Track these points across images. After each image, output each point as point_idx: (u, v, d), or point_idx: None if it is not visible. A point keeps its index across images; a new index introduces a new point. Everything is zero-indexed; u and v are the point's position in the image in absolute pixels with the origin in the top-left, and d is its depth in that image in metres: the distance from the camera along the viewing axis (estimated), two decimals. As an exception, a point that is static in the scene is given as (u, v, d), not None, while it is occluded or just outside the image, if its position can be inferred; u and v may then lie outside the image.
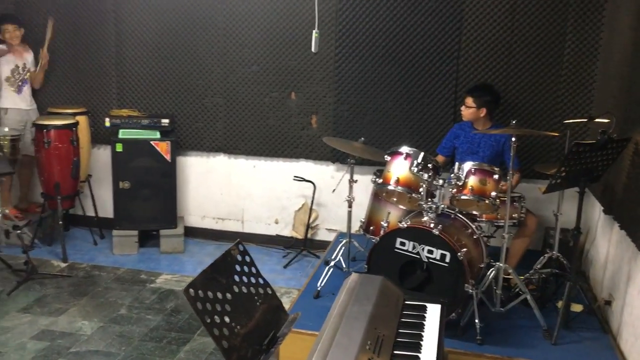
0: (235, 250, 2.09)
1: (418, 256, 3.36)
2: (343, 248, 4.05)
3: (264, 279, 2.15)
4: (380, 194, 4.00)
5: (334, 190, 4.73)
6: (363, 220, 4.16)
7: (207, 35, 4.97)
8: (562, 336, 3.41)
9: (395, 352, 2.05)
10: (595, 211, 4.19)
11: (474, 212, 3.77)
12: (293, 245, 5.10)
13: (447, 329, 3.06)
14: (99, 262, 4.79)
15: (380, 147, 4.48)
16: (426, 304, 2.45)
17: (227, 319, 1.83)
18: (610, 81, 4.01)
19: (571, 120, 4.05)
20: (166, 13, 5.00)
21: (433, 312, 2.40)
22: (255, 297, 2.06)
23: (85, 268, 4.69)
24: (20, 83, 5.01)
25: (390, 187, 3.69)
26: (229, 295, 1.92)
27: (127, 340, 3.64)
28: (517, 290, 3.65)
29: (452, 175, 3.61)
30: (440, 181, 3.58)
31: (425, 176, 3.57)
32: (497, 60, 4.50)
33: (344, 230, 4.15)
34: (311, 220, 5.07)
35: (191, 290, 1.77)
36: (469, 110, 4.08)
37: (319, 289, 3.87)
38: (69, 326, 3.79)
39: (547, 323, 3.46)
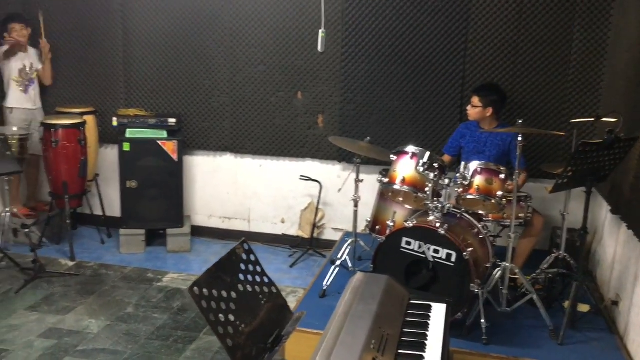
0: (240, 249, 2.10)
1: (424, 256, 3.35)
2: (349, 247, 4.05)
3: (268, 278, 2.16)
4: (386, 194, 4.00)
5: (340, 190, 4.74)
6: (369, 219, 4.16)
7: (214, 35, 4.98)
8: (569, 336, 3.40)
9: (400, 351, 2.05)
10: (603, 211, 4.17)
11: (480, 212, 3.76)
12: (299, 244, 5.11)
13: (453, 328, 3.05)
14: (106, 261, 4.82)
15: (386, 147, 4.47)
16: (431, 304, 2.44)
17: (231, 318, 1.84)
18: (618, 80, 3.99)
19: (578, 120, 4.03)
20: (173, 13, 5.01)
21: (438, 312, 2.39)
22: (260, 296, 2.07)
23: (93, 267, 4.72)
24: (27, 83, 5.03)
25: (396, 187, 3.69)
26: (233, 294, 1.93)
27: (134, 339, 3.66)
28: (523, 290, 3.63)
29: (458, 174, 3.61)
30: (446, 181, 3.58)
31: (431, 176, 3.56)
32: (504, 59, 4.48)
33: (350, 229, 4.16)
34: (317, 220, 5.07)
35: (196, 289, 1.78)
36: (475, 109, 4.07)
37: (324, 288, 3.87)
38: (76, 324, 3.81)
39: (553, 323, 3.44)
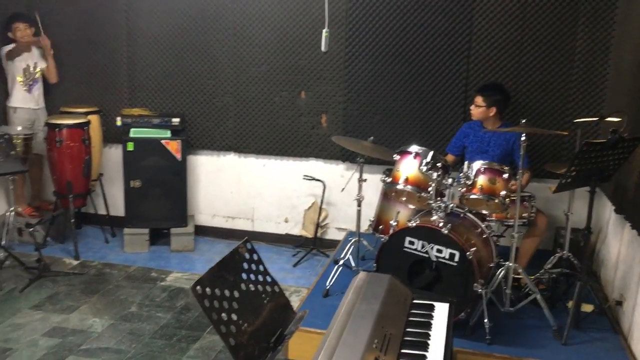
0: (243, 248, 2.10)
1: (427, 255, 3.35)
2: (352, 247, 4.06)
3: (271, 277, 2.16)
4: (389, 193, 4.00)
5: (343, 189, 4.74)
6: (372, 219, 4.16)
7: (217, 35, 4.99)
8: (573, 336, 3.39)
9: (403, 350, 2.05)
10: (607, 211, 4.16)
11: (484, 212, 3.76)
12: (303, 244, 5.11)
13: (456, 328, 3.05)
14: (110, 260, 4.83)
15: (389, 146, 4.47)
16: (434, 303, 2.44)
17: (234, 317, 1.84)
18: (622, 80, 3.97)
19: (582, 119, 4.02)
20: (177, 13, 5.02)
21: (441, 311, 2.39)
22: (263, 295, 2.07)
23: (97, 266, 4.73)
24: (31, 82, 5.04)
25: (400, 186, 3.69)
26: (236, 293, 1.93)
27: (138, 338, 3.66)
28: (527, 290, 3.63)
29: (461, 174, 3.61)
30: (450, 180, 3.58)
31: (435, 175, 3.56)
32: (508, 59, 4.47)
33: (354, 229, 4.16)
34: (321, 219, 5.07)
35: (198, 288, 1.78)
36: (478, 109, 4.06)
37: (327, 287, 3.87)
38: (80, 323, 3.82)
39: (557, 323, 3.44)
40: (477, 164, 3.59)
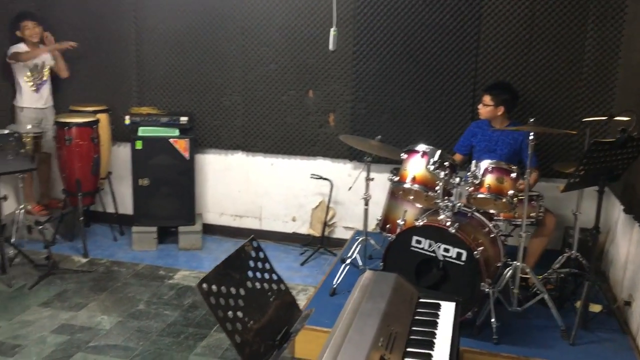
0: (249, 246, 2.11)
1: (434, 254, 3.35)
2: (359, 246, 4.06)
3: (277, 275, 2.16)
4: (397, 192, 3.99)
5: (350, 188, 4.74)
6: (380, 218, 4.16)
7: (225, 34, 5.00)
8: (580, 336, 3.38)
9: (408, 349, 2.05)
10: (616, 210, 4.14)
11: (491, 211, 3.75)
12: (310, 243, 5.12)
13: (463, 328, 3.04)
14: (118, 258, 4.86)
15: (397, 146, 4.46)
16: (440, 302, 2.44)
17: (240, 314, 1.85)
18: (632, 79, 3.95)
19: (591, 119, 3.99)
20: (185, 12, 5.04)
21: (447, 310, 2.39)
22: (269, 293, 2.07)
23: (105, 264, 4.75)
24: (39, 82, 5.04)
25: (407, 185, 3.69)
26: (242, 291, 1.94)
27: (145, 335, 3.68)
28: (534, 289, 3.61)
29: (469, 173, 3.60)
30: (457, 179, 3.57)
31: (442, 174, 3.56)
32: (516, 57, 4.45)
33: (361, 228, 4.16)
34: (328, 218, 5.08)
35: (204, 285, 1.79)
36: (486, 108, 4.05)
37: (334, 286, 3.88)
38: (88, 320, 3.85)
39: (565, 323, 3.42)
40: (485, 163, 3.58)
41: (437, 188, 3.57)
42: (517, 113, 4.40)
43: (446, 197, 3.56)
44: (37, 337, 3.62)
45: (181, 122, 4.97)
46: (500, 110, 4.02)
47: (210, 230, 5.37)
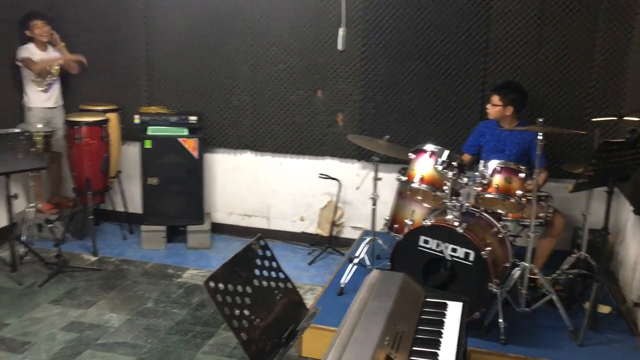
0: (256, 245, 2.12)
1: (442, 254, 3.34)
2: (367, 246, 4.06)
3: (284, 274, 2.17)
4: (404, 192, 3.99)
5: (358, 188, 4.75)
6: (388, 218, 4.16)
7: (235, 34, 5.01)
8: (589, 337, 3.36)
9: (415, 348, 2.05)
10: (625, 211, 4.11)
11: (500, 211, 3.74)
12: (318, 242, 5.12)
13: (471, 328, 3.04)
14: (127, 257, 4.89)
15: (405, 145, 4.45)
16: (447, 302, 2.44)
17: (246, 312, 1.86)
18: (642, 79, 3.92)
19: (600, 119, 3.97)
20: (195, 13, 5.05)
21: (454, 310, 2.39)
22: (275, 291, 2.08)
23: (115, 262, 4.78)
24: (49, 82, 5.05)
25: (415, 185, 3.69)
26: (249, 289, 1.95)
27: (153, 333, 3.70)
28: (543, 290, 3.60)
29: (477, 173, 3.59)
30: (465, 179, 3.56)
31: (450, 174, 3.55)
32: (526, 57, 4.43)
33: (369, 228, 4.16)
34: (336, 218, 5.08)
35: (211, 283, 1.80)
36: (495, 108, 4.04)
37: (342, 286, 3.88)
38: (97, 318, 3.87)
39: (573, 324, 3.41)
40: (493, 163, 3.57)
41: (445, 188, 3.57)
42: (526, 113, 4.38)
43: (454, 197, 3.55)
44: (47, 334, 3.65)
45: (190, 122, 4.99)
46: (509, 110, 4.01)
47: (219, 229, 5.39)
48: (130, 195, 5.44)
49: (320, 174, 5.01)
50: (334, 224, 5.07)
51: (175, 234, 5.21)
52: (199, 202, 5.08)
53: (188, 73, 5.19)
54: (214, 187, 5.40)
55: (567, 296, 3.71)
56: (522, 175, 3.50)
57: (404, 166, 3.94)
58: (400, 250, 3.47)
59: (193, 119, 4.99)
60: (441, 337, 2.14)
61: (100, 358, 3.42)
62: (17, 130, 4.47)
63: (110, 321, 3.84)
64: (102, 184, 5.04)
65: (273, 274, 2.12)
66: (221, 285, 1.83)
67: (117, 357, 3.43)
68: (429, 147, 3.73)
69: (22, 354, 3.44)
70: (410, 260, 3.42)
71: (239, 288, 1.90)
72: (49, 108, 5.10)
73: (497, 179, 3.53)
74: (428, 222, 3.43)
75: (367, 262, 4.05)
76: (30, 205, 4.82)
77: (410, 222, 3.83)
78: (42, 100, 5.05)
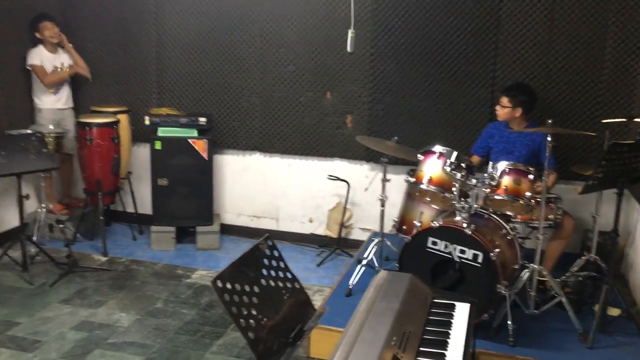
0: (263, 245, 2.12)
1: (450, 256, 3.34)
2: (376, 247, 4.06)
3: (292, 274, 2.18)
4: (413, 193, 3.99)
5: (366, 189, 4.74)
6: (396, 219, 4.15)
7: (244, 36, 5.04)
8: (598, 340, 3.34)
9: (422, 348, 2.05)
10: (635, 213, 4.09)
11: (509, 213, 3.72)
12: (327, 244, 5.13)
13: (479, 330, 3.04)
14: (137, 257, 4.92)
15: (414, 147, 4.43)
16: (455, 303, 2.43)
17: (253, 311, 1.87)
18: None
19: (610, 120, 3.95)
20: (205, 15, 5.09)
21: (462, 311, 2.38)
22: (283, 291, 2.09)
23: (125, 262, 4.81)
24: (59, 84, 5.10)
25: (423, 187, 3.68)
26: (256, 288, 1.95)
27: (163, 333, 3.72)
28: (552, 292, 3.58)
29: (486, 174, 3.58)
30: (474, 181, 3.55)
31: (458, 175, 3.54)
32: (535, 59, 4.42)
33: (378, 229, 4.16)
34: (345, 219, 5.08)
35: (219, 282, 1.81)
36: (504, 109, 4.02)
37: (350, 287, 3.88)
38: (107, 318, 3.90)
39: (582, 327, 3.39)
40: (502, 165, 3.56)
41: (453, 189, 3.56)
42: (536, 114, 4.36)
43: (463, 199, 3.54)
44: (57, 334, 3.68)
45: (200, 123, 5.01)
46: (518, 111, 3.99)
47: (228, 230, 5.41)
48: (140, 196, 5.48)
49: (329, 176, 5.02)
50: (342, 225, 5.08)
51: (185, 235, 5.24)
52: (208, 203, 5.11)
53: (198, 75, 5.22)
54: (223, 188, 5.42)
55: (576, 298, 3.69)
56: (531, 176, 3.49)
57: (412, 167, 3.93)
58: (409, 251, 3.47)
59: (203, 120, 5.02)
60: (448, 338, 2.14)
61: (110, 357, 3.45)
62: (29, 132, 4.52)
63: (119, 321, 3.87)
64: (112, 184, 5.08)
65: (280, 273, 2.13)
66: (229, 285, 1.84)
67: (126, 357, 3.46)
68: (438, 148, 3.72)
69: (32, 352, 3.47)
70: (419, 262, 3.42)
71: (247, 287, 1.91)
72: (59, 109, 5.15)
73: (506, 181, 3.51)
74: (436, 224, 3.43)
75: (376, 264, 4.05)
76: (42, 205, 4.85)
77: (419, 224, 3.83)
78: (52, 101, 5.09)
